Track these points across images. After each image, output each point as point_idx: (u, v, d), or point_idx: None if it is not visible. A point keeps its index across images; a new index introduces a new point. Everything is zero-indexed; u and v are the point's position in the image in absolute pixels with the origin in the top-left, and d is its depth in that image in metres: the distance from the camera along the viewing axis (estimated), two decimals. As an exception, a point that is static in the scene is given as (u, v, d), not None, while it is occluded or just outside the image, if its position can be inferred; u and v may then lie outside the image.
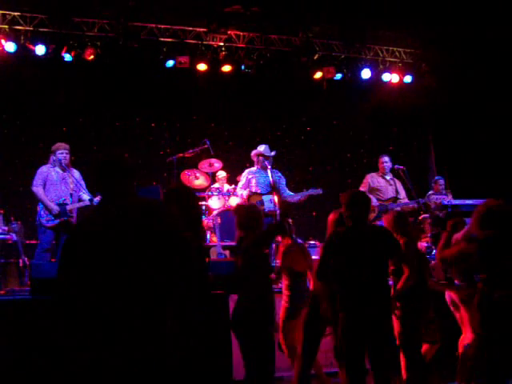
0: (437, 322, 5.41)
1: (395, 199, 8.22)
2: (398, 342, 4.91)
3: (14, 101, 9.07)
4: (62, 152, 7.16)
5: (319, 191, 7.93)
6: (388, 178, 8.41)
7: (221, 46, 9.40)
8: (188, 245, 2.74)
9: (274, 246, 6.59)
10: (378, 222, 7.20)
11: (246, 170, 8.25)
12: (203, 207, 8.57)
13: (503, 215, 4.29)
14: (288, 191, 8.19)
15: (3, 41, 8.36)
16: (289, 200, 7.91)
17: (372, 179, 8.39)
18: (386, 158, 8.47)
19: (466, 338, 5.22)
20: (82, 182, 7.28)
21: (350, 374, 4.25)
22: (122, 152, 7.57)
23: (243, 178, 8.20)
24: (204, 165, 8.84)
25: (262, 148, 8.16)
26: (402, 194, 8.34)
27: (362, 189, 8.15)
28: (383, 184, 8.35)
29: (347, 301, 4.30)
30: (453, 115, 10.10)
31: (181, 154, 8.63)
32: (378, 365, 4.27)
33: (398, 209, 8.02)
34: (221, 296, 5.44)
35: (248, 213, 4.57)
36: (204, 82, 9.51)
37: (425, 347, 5.26)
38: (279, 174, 8.23)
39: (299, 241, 5.41)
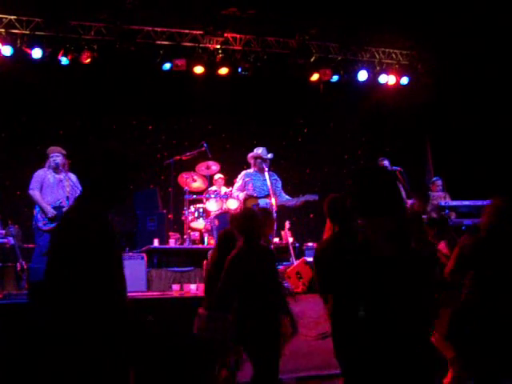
0: None
1: None
2: None
3: (10, 104, 9.06)
4: (57, 155, 7.16)
5: (315, 197, 7.87)
6: None
7: (217, 49, 9.41)
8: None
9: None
10: None
11: (243, 172, 8.24)
12: (201, 210, 8.56)
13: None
14: (284, 194, 8.17)
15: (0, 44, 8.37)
16: (284, 204, 7.89)
17: None
18: (386, 162, 8.50)
19: None
20: (79, 186, 7.26)
21: None
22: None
23: (239, 179, 8.19)
24: (201, 167, 8.84)
25: (259, 150, 8.14)
26: (402, 194, 8.35)
27: None
28: None
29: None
30: (449, 116, 10.11)
31: (178, 157, 8.65)
32: None
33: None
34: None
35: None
36: (201, 85, 9.50)
37: None
38: (275, 177, 8.21)
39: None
